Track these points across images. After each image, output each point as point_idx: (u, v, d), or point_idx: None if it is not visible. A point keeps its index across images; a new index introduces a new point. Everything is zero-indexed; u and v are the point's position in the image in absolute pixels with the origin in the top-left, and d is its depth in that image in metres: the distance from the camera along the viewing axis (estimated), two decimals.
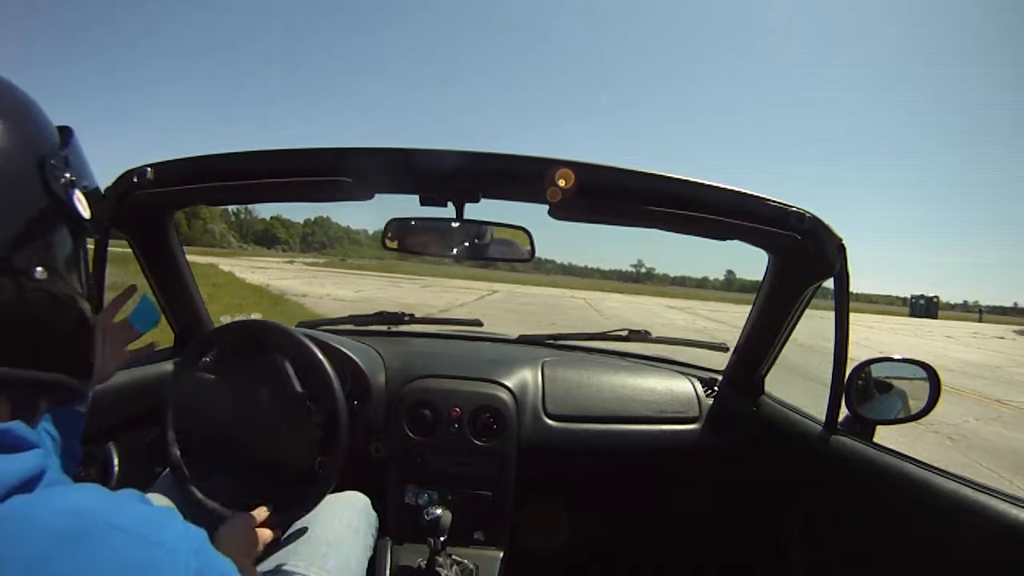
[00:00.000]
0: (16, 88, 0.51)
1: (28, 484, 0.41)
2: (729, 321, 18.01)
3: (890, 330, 24.96)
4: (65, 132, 0.56)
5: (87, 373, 0.57)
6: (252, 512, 0.89)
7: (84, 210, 0.53)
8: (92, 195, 0.57)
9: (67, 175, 0.51)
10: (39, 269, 0.47)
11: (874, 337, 17.69)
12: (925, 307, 55.55)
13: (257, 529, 0.88)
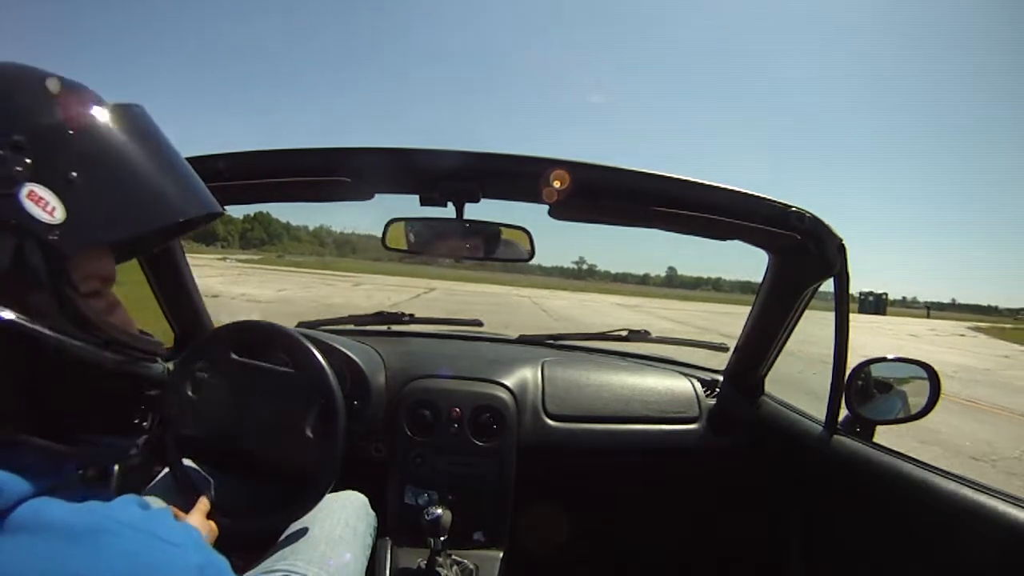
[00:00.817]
0: None
1: (39, 492, 0.41)
2: (689, 321, 17.56)
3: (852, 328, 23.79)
4: (124, 105, 0.47)
5: (71, 430, 0.45)
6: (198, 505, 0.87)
7: (41, 211, 0.41)
8: (97, 188, 0.44)
9: (11, 168, 0.40)
10: None
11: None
12: (874, 304, 54.61)
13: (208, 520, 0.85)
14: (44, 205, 0.41)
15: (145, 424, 0.51)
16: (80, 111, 0.45)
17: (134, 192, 0.48)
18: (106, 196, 0.45)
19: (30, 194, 0.40)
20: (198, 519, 0.83)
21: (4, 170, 0.40)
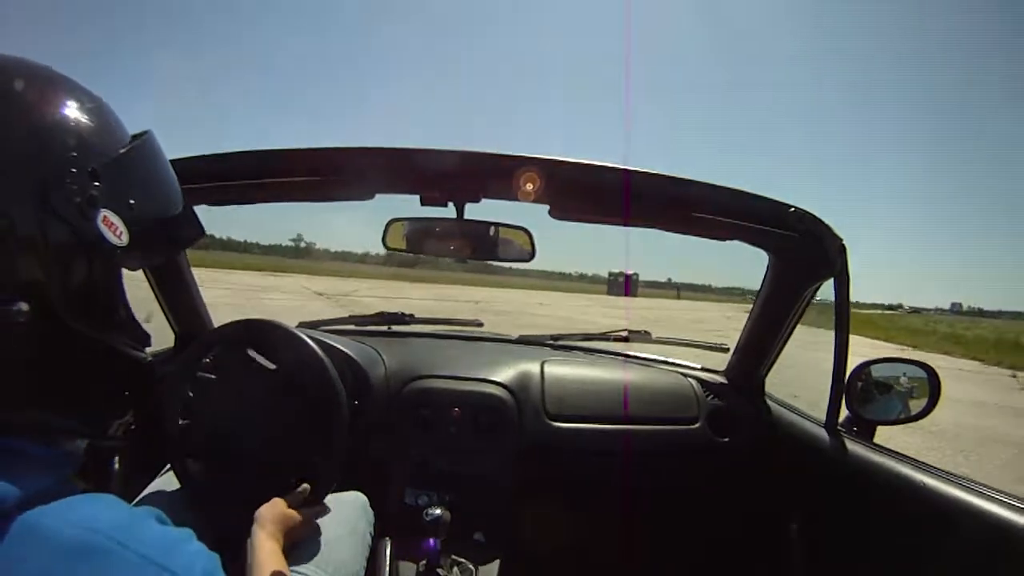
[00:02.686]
0: (20, 83, 0.43)
1: (40, 497, 0.40)
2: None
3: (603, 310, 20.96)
4: (136, 136, 0.50)
5: (107, 419, 0.51)
6: (291, 493, 0.87)
7: (113, 236, 0.45)
8: (147, 211, 0.48)
9: (89, 193, 0.43)
10: (22, 304, 0.40)
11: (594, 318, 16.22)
12: (623, 285, 50.64)
13: (289, 510, 0.85)
14: (114, 230, 0.45)
15: (134, 406, 0.55)
16: (129, 139, 0.49)
17: (174, 214, 0.54)
18: (155, 219, 0.50)
19: (104, 219, 0.44)
20: (279, 508, 0.84)
21: (85, 197, 0.43)
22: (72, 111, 0.44)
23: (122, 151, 0.47)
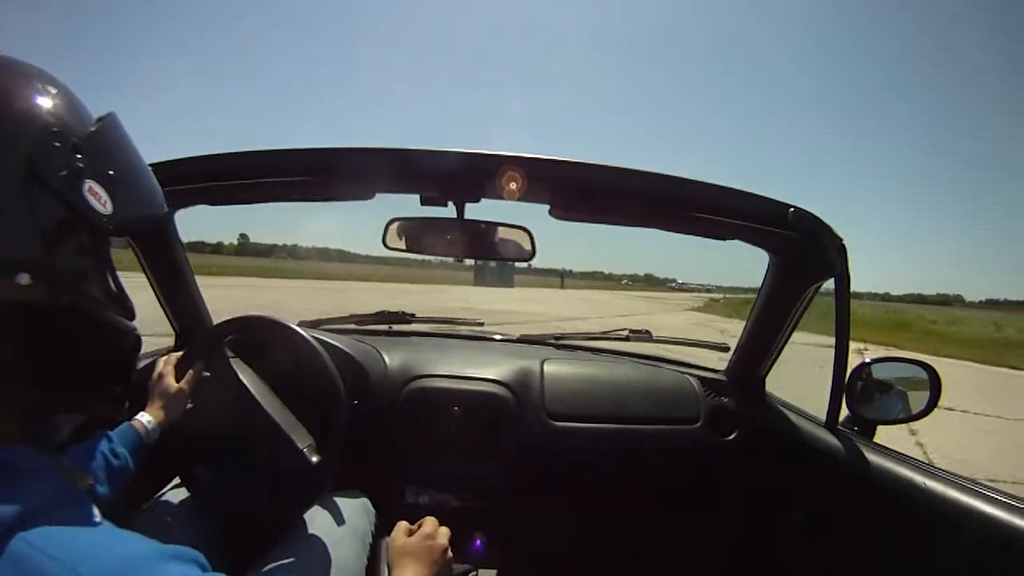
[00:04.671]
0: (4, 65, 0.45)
1: (31, 518, 0.39)
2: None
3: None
4: (101, 116, 0.51)
5: (116, 393, 0.52)
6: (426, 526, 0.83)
7: (99, 204, 0.47)
8: (125, 181, 0.50)
9: (75, 164, 0.45)
10: (23, 276, 0.42)
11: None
12: (497, 272, 47.42)
13: (433, 542, 0.80)
14: (99, 199, 0.47)
15: (123, 377, 0.55)
16: (100, 115, 0.51)
17: (146, 185, 0.55)
18: (132, 189, 0.52)
19: (90, 189, 0.46)
20: (430, 528, 0.82)
21: (71, 168, 0.45)
22: (45, 93, 0.46)
23: (94, 127, 0.49)
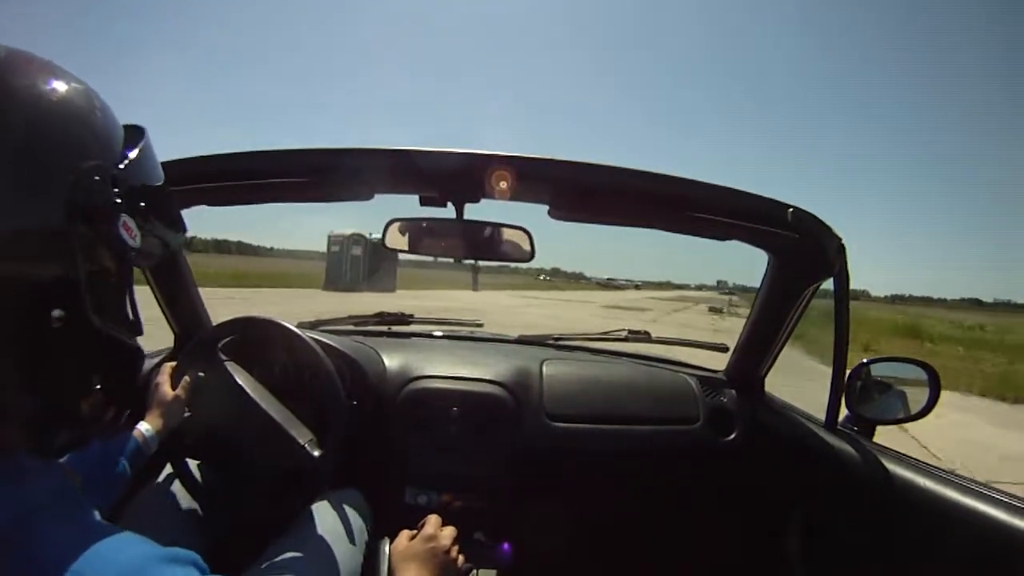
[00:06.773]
0: (52, 86, 0.43)
1: (33, 520, 0.39)
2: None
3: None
4: (132, 135, 0.50)
5: (113, 406, 0.52)
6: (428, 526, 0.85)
7: (130, 239, 0.47)
8: (154, 212, 0.50)
9: (111, 199, 0.44)
10: (57, 311, 0.42)
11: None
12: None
13: (435, 543, 0.81)
14: (131, 233, 0.47)
15: (127, 391, 0.56)
16: (128, 126, 0.51)
17: (171, 215, 0.56)
18: (160, 219, 0.52)
19: (124, 224, 0.46)
20: (433, 528, 0.82)
21: (107, 202, 0.44)
22: (94, 117, 0.45)
23: (132, 155, 0.48)
